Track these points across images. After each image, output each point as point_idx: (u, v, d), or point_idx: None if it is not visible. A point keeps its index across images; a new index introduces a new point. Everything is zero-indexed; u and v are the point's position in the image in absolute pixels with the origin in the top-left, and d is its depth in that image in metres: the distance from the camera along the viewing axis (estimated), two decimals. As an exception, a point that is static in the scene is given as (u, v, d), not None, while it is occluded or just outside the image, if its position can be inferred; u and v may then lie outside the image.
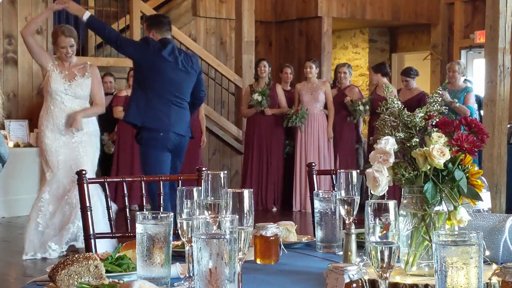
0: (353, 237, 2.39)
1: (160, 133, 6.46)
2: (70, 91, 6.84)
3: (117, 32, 7.12)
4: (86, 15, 6.60)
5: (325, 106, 10.40)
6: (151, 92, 6.48)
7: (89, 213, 2.91)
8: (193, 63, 6.74)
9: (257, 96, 10.23)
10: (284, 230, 2.80)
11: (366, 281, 1.96)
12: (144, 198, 3.13)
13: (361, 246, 2.32)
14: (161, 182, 3.19)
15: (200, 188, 2.27)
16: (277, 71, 11.17)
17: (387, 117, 2.29)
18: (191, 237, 1.90)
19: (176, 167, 6.62)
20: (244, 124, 11.55)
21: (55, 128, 6.86)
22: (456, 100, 9.30)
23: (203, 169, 3.08)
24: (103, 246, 5.55)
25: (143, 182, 3.15)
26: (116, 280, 2.06)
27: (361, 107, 10.05)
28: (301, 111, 10.15)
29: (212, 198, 2.26)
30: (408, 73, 10.16)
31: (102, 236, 3.09)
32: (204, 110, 10.61)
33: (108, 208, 3.12)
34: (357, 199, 2.42)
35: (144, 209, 2.85)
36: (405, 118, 2.26)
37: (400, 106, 2.29)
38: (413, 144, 2.23)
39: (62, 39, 6.92)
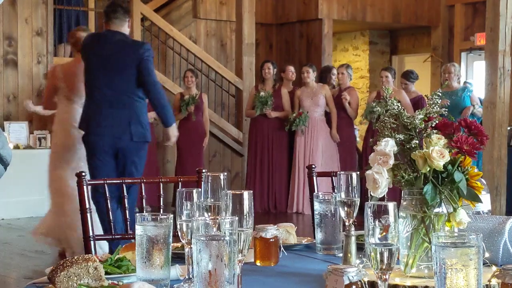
0: (353, 239, 2.39)
1: (90, 136, 6.19)
2: None
3: None
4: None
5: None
6: (86, 95, 6.34)
7: (88, 214, 2.91)
8: (128, 51, 6.25)
9: (257, 102, 10.27)
10: (284, 232, 2.80)
11: (366, 282, 1.96)
12: (144, 200, 3.13)
13: (361, 248, 2.32)
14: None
15: (200, 189, 2.27)
16: (278, 73, 11.18)
17: (387, 119, 2.29)
18: (191, 238, 1.90)
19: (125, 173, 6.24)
20: (245, 126, 11.55)
21: None
22: (475, 104, 9.36)
23: (203, 170, 3.09)
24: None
25: (143, 184, 3.15)
26: (116, 282, 2.06)
27: (379, 109, 9.91)
28: (303, 114, 10.17)
29: (212, 200, 2.26)
30: (408, 76, 10.15)
31: (101, 238, 3.09)
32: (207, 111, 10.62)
33: (107, 210, 3.12)
34: (357, 201, 2.42)
35: (144, 211, 2.86)
36: (405, 120, 2.26)
37: (400, 107, 2.29)
38: (413, 146, 2.23)
39: None
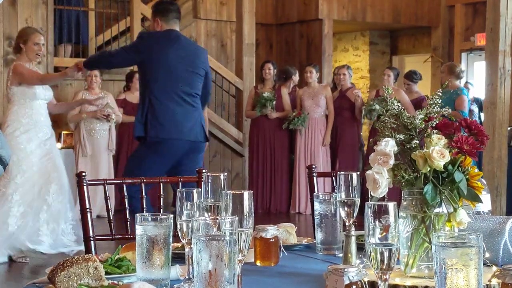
0: (353, 239, 2.39)
1: (167, 141, 6.10)
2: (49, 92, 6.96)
3: (108, 52, 6.74)
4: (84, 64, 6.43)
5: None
6: (154, 93, 6.11)
7: (88, 215, 2.91)
8: (200, 53, 6.37)
9: (260, 104, 10.26)
10: (284, 232, 2.80)
11: (366, 283, 1.96)
12: (144, 200, 3.13)
13: (361, 248, 2.32)
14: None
15: (200, 190, 2.27)
16: (278, 73, 11.17)
17: (387, 119, 2.29)
18: (191, 238, 1.90)
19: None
20: (245, 126, 11.55)
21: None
22: (447, 107, 9.23)
23: (203, 171, 3.09)
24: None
25: (143, 184, 3.15)
26: (116, 282, 2.06)
27: (378, 107, 9.84)
28: (302, 114, 10.17)
29: (212, 200, 2.26)
30: (411, 77, 10.14)
31: (102, 238, 3.09)
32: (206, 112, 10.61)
33: (108, 210, 3.12)
34: (357, 201, 2.42)
35: (145, 211, 2.85)
36: (405, 120, 2.26)
37: (400, 107, 2.29)
38: (413, 146, 2.23)
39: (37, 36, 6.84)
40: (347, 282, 1.90)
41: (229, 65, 12.57)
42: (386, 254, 1.88)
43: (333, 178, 3.38)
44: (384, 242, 1.89)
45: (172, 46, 6.16)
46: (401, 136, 2.25)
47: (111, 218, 3.13)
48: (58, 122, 10.12)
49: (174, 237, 2.24)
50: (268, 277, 2.36)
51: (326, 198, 2.71)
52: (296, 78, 10.65)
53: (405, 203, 2.23)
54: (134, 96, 10.03)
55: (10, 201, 6.65)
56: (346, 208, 2.42)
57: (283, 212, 10.43)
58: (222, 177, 2.28)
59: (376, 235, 1.90)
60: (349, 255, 2.38)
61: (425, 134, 2.25)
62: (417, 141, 2.24)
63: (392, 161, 2.21)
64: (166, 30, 6.25)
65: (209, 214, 2.25)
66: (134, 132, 6.30)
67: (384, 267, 1.88)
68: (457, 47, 13.81)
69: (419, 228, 2.21)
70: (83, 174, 2.95)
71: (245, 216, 2.02)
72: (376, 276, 1.90)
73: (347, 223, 2.42)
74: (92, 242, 2.90)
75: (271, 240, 2.54)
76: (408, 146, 2.24)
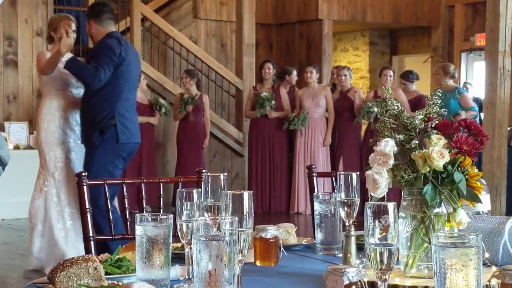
0: (353, 239, 2.39)
1: (130, 144, 6.07)
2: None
3: (93, 70, 6.01)
4: (67, 57, 6.16)
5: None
6: (122, 100, 6.02)
7: (88, 215, 2.91)
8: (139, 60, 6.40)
9: (258, 104, 10.25)
10: (284, 232, 2.80)
11: (366, 283, 1.96)
12: (144, 200, 3.13)
13: (361, 248, 2.32)
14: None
15: (200, 190, 2.27)
16: (277, 73, 11.18)
17: (387, 119, 2.29)
18: (191, 239, 1.90)
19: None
20: (245, 126, 11.56)
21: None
22: (462, 112, 9.23)
23: (203, 171, 3.09)
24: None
25: (142, 184, 3.15)
26: (116, 282, 2.06)
27: (376, 109, 9.84)
28: (302, 115, 10.17)
29: (212, 200, 2.26)
30: (407, 76, 10.14)
31: (101, 238, 3.09)
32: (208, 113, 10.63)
33: (107, 210, 3.12)
34: (357, 201, 2.42)
35: (144, 211, 2.86)
36: (405, 120, 2.26)
37: (400, 108, 2.29)
38: (413, 146, 2.23)
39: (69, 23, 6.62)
40: (346, 282, 1.91)
41: (229, 65, 12.57)
42: (385, 254, 1.88)
43: (333, 178, 3.38)
44: (384, 242, 1.89)
45: (130, 54, 6.09)
46: (401, 136, 2.25)
47: (111, 218, 3.13)
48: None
49: (174, 237, 2.24)
50: (268, 277, 2.36)
51: (326, 198, 2.71)
52: (293, 76, 10.63)
53: (404, 203, 2.23)
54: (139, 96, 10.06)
55: (56, 203, 6.40)
56: (346, 208, 2.42)
57: (283, 212, 10.43)
58: (222, 177, 2.28)
59: (375, 235, 1.90)
60: (349, 255, 2.38)
61: (425, 135, 2.25)
62: (417, 141, 2.24)
63: (391, 161, 2.21)
64: (112, 34, 6.11)
65: (209, 214, 2.25)
66: (92, 137, 6.06)
67: (383, 267, 1.89)
68: (457, 47, 13.81)
69: (419, 228, 2.21)
70: (83, 174, 2.95)
71: (245, 216, 2.02)
72: (376, 276, 1.90)
73: (347, 223, 2.42)
74: (92, 242, 2.90)
75: (271, 240, 2.54)
76: (407, 146, 2.24)
